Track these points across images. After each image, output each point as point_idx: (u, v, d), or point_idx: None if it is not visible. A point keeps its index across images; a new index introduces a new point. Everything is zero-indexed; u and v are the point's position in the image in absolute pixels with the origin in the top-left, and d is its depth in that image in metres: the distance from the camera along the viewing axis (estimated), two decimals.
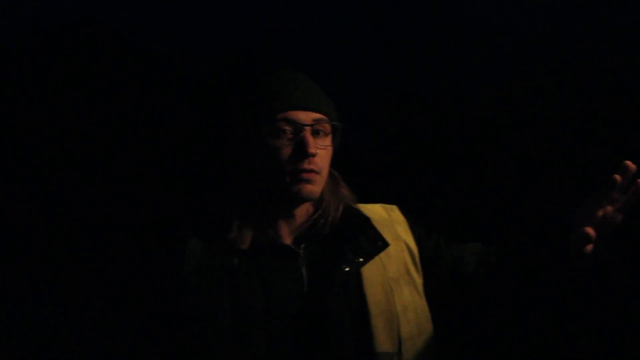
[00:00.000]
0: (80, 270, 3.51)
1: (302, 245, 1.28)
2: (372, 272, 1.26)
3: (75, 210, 3.70)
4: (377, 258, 1.27)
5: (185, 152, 3.43)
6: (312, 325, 1.16)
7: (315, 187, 1.25)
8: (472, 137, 3.22)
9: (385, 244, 1.29)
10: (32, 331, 3.31)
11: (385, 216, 1.38)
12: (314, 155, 1.22)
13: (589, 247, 1.21)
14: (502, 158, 3.14)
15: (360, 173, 1.41)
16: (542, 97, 3.15)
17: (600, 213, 1.20)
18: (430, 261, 1.38)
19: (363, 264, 1.25)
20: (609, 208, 1.21)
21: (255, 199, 1.28)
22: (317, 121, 1.25)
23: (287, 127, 1.23)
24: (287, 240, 1.29)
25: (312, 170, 1.23)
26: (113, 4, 4.24)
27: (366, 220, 1.33)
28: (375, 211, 1.40)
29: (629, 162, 1.25)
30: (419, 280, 1.34)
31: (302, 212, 1.31)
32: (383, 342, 1.17)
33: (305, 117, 1.24)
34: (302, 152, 1.22)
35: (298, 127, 1.23)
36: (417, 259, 1.36)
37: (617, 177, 1.23)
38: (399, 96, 3.39)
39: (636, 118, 2.92)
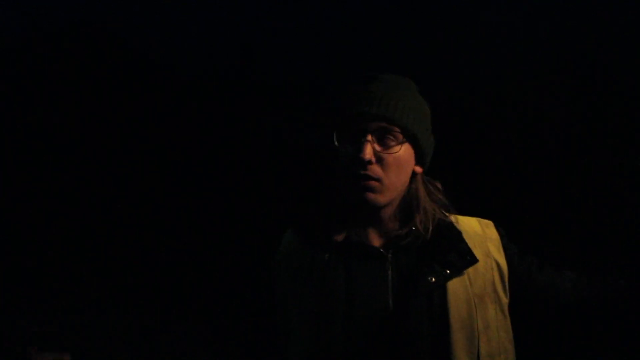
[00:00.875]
0: (182, 258, 3.62)
1: (391, 250, 1.29)
2: (457, 286, 1.25)
3: (182, 206, 3.77)
4: (464, 272, 1.27)
5: (292, 150, 3.48)
6: (392, 330, 1.17)
7: (376, 195, 1.25)
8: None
9: (473, 260, 1.28)
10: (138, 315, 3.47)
11: (479, 231, 1.37)
12: (368, 162, 1.23)
13: None
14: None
15: None
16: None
17: None
18: (519, 283, 1.37)
19: (450, 277, 1.24)
20: None
21: (344, 200, 1.31)
22: (381, 128, 1.25)
23: (352, 133, 1.25)
24: (377, 243, 1.30)
25: (369, 178, 1.24)
26: (113, 5, 4.25)
27: (458, 234, 1.33)
28: (469, 225, 1.39)
29: None
30: (505, 300, 1.33)
31: (391, 217, 1.32)
32: (461, 357, 1.17)
33: (368, 123, 1.25)
34: (357, 157, 1.23)
35: (361, 133, 1.24)
36: (506, 279, 1.35)
37: None
38: None
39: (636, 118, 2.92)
